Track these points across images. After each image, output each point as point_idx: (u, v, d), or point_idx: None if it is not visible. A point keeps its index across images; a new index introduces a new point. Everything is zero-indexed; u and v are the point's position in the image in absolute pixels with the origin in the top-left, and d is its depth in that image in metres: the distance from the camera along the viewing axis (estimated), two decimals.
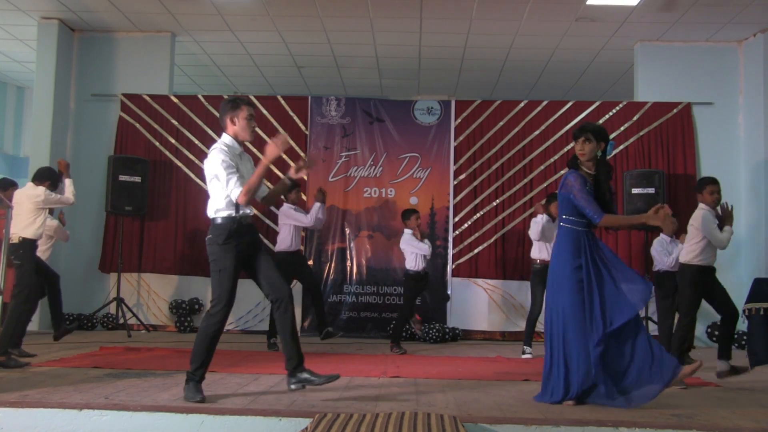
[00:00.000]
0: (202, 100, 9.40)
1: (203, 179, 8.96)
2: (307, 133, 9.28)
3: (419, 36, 9.37)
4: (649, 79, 9.38)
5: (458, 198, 9.11)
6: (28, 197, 6.21)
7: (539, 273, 6.91)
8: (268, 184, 8.17)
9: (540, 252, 7.13)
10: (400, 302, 8.80)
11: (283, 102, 9.36)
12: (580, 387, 4.25)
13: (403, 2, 8.34)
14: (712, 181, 5.73)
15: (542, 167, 9.09)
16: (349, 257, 9.08)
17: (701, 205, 5.69)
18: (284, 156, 9.14)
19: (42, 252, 7.03)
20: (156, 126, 9.28)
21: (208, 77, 11.44)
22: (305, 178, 8.69)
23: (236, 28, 9.29)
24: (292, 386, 4.37)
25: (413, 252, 7.45)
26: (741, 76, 9.26)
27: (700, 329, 7.55)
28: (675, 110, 9.10)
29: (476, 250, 9.00)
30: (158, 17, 9.00)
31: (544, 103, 9.30)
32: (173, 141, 9.26)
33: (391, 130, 9.26)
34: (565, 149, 9.02)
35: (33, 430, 3.76)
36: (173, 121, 9.29)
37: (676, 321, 6.55)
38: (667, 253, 6.83)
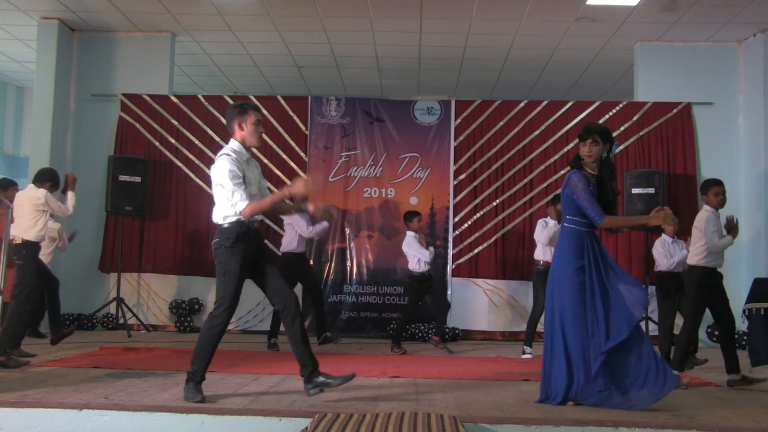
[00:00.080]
0: (202, 100, 9.40)
1: (203, 179, 9.08)
2: (307, 133, 9.27)
3: (419, 36, 9.37)
4: (649, 79, 9.38)
5: (458, 198, 9.11)
6: (29, 199, 6.21)
7: (543, 274, 6.87)
8: (273, 187, 8.19)
9: (544, 254, 7.12)
10: (400, 302, 8.82)
11: (283, 102, 9.36)
12: (582, 388, 4.25)
13: (403, 2, 8.34)
14: (717, 183, 5.71)
15: (542, 167, 9.09)
16: (349, 257, 9.08)
17: (706, 207, 5.67)
18: (284, 156, 9.19)
19: (44, 256, 7.03)
20: (156, 126, 9.28)
21: (208, 77, 11.44)
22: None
23: (236, 28, 9.29)
24: (311, 391, 4.33)
25: (415, 255, 7.47)
26: (741, 76, 9.26)
27: (700, 330, 7.53)
28: (675, 110, 9.10)
29: (476, 250, 9.00)
30: (158, 17, 9.00)
31: (544, 103, 9.30)
32: (173, 141, 9.26)
33: (391, 130, 9.26)
34: (565, 149, 9.03)
35: (33, 430, 3.76)
36: (173, 121, 9.29)
37: (676, 322, 6.57)
38: (669, 254, 6.81)
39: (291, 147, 9.21)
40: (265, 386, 4.79)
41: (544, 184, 9.03)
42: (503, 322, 8.89)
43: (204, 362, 4.28)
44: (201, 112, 9.31)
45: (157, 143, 9.25)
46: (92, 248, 9.14)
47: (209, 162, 9.07)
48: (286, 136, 9.20)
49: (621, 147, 8.95)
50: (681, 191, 8.87)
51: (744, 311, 5.75)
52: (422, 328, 8.53)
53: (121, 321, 8.52)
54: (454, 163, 9.17)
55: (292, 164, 9.18)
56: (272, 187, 8.03)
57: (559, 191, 5.79)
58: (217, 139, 9.19)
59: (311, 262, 8.84)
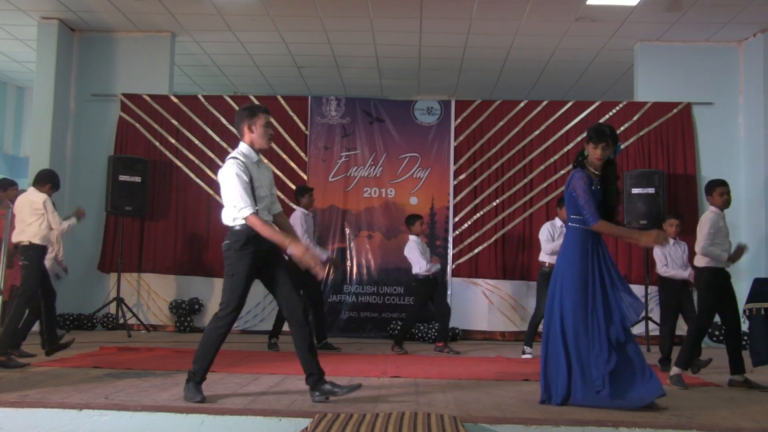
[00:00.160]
0: (202, 100, 9.40)
1: (203, 179, 9.08)
2: (307, 133, 9.27)
3: (419, 36, 9.37)
4: (649, 79, 9.38)
5: (458, 198, 9.11)
6: (29, 202, 6.25)
7: (547, 276, 6.83)
8: (281, 194, 8.16)
9: (550, 256, 7.10)
10: (400, 302, 8.83)
11: (283, 102, 9.36)
12: (582, 388, 4.24)
13: (403, 2, 8.34)
14: (722, 183, 5.71)
15: (542, 167, 9.09)
16: (349, 257, 9.08)
17: (711, 208, 5.66)
18: (284, 156, 9.19)
19: (46, 259, 6.99)
20: (156, 126, 9.28)
21: (208, 77, 11.44)
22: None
23: (236, 28, 9.28)
24: (317, 398, 4.30)
25: (415, 262, 7.48)
26: (741, 76, 9.25)
27: None
28: (675, 110, 9.10)
29: (476, 250, 8.99)
30: (158, 17, 8.99)
31: (544, 103, 9.30)
32: (173, 141, 9.26)
33: (391, 130, 9.26)
34: (565, 149, 9.03)
35: (33, 430, 3.76)
36: (173, 121, 9.28)
37: (677, 323, 6.56)
38: (670, 256, 6.75)
39: (291, 147, 9.21)
40: (265, 386, 4.79)
41: (544, 184, 9.03)
42: (503, 322, 8.88)
43: (205, 363, 4.28)
44: (201, 112, 9.31)
45: (157, 143, 9.25)
46: (92, 248, 9.15)
47: (209, 162, 9.17)
48: (286, 136, 9.20)
49: (621, 147, 8.94)
50: (681, 191, 8.87)
51: (744, 311, 5.74)
52: (422, 328, 8.53)
53: (121, 321, 8.52)
54: (454, 163, 9.16)
55: (292, 164, 9.18)
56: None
57: (562, 192, 5.78)
58: (217, 139, 9.19)
59: None
